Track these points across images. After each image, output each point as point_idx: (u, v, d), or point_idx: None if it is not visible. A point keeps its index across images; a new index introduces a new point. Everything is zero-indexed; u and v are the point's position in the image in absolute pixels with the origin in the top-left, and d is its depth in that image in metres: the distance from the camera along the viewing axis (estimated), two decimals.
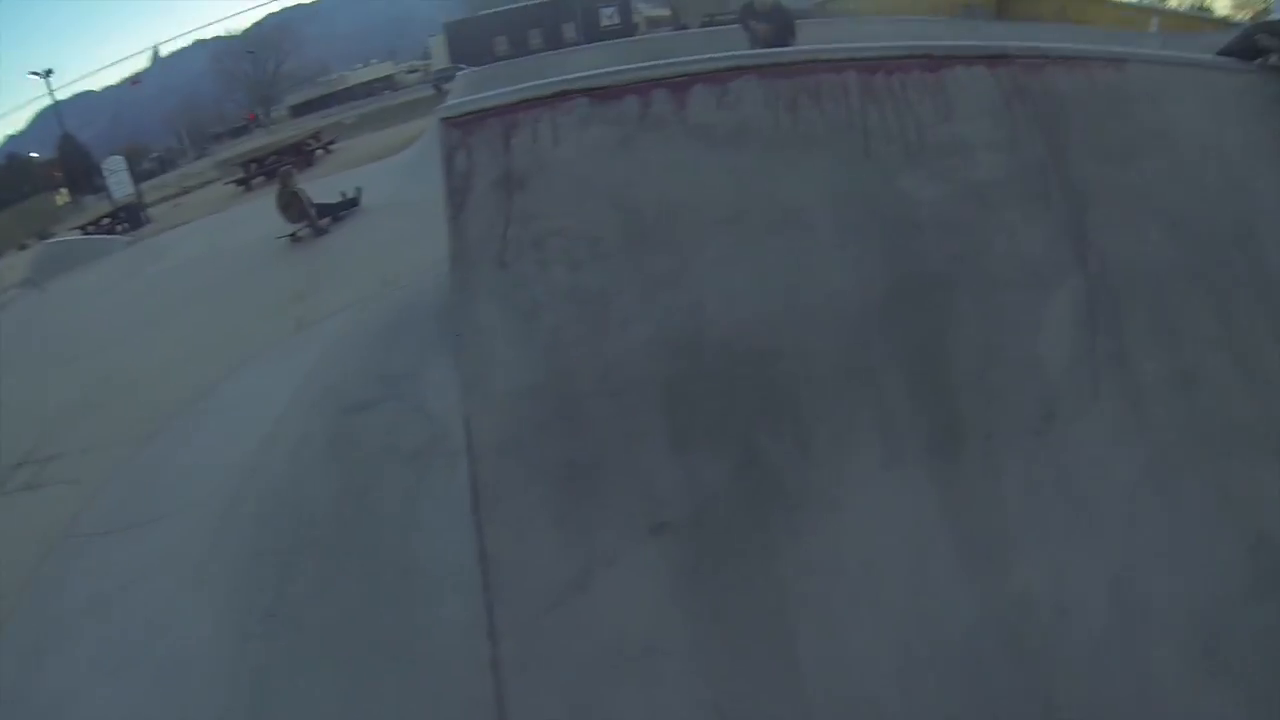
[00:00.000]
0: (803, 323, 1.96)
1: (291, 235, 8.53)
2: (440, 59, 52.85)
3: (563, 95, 2.08)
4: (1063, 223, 2.49)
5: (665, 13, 56.02)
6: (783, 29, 4.56)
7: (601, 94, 2.14)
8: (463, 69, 19.04)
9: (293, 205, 8.64)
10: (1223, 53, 4.62)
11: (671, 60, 2.18)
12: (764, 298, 1.96)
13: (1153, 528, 2.42)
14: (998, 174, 2.36)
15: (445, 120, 2.07)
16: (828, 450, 1.93)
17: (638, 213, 2.02)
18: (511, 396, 1.95)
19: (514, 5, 56.37)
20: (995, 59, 2.48)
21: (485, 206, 2.14)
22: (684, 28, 45.14)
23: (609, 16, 52.51)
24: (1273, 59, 4.58)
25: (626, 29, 51.46)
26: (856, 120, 2.14)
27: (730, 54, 2.17)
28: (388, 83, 61.55)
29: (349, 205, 9.21)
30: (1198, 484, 2.57)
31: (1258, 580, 2.44)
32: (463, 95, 9.28)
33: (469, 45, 48.48)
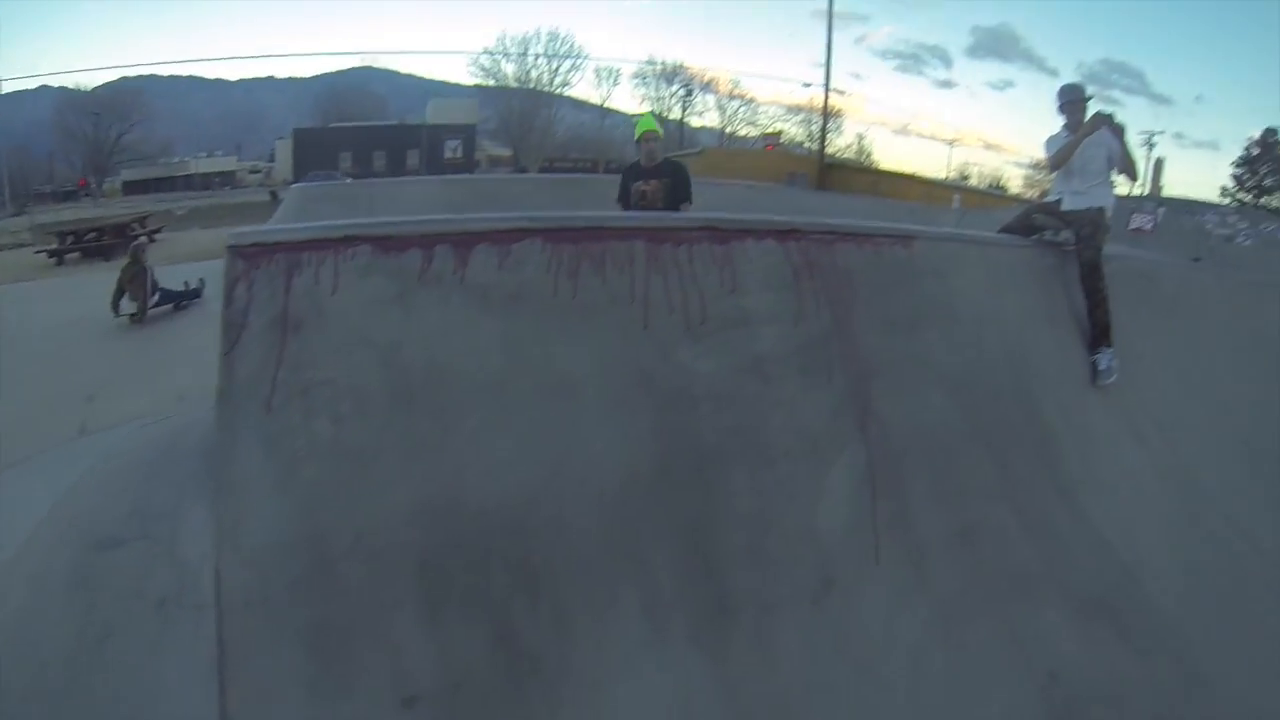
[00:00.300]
0: (565, 496, 2.08)
1: (131, 315, 8.30)
2: (284, 163, 55.67)
3: (349, 240, 2.16)
4: (845, 393, 2.74)
5: (507, 152, 62.18)
6: (677, 184, 5.58)
7: (386, 243, 2.23)
8: (319, 175, 19.68)
9: (137, 282, 8.38)
10: (1004, 230, 5.29)
11: (459, 216, 2.29)
12: (526, 468, 2.07)
13: (941, 681, 2.60)
14: (781, 347, 2.62)
15: (231, 249, 2.09)
16: (588, 627, 2.03)
17: (406, 371, 2.10)
18: (265, 550, 1.97)
19: (363, 124, 61.03)
20: (786, 233, 2.74)
21: (258, 345, 2.16)
22: (523, 169, 51.94)
23: (452, 149, 57.47)
24: (1048, 234, 5.25)
25: (469, 163, 57.30)
26: (639, 290, 2.29)
27: (518, 214, 2.28)
28: (229, 178, 63.38)
29: (192, 295, 9.04)
30: (984, 632, 2.83)
31: (1053, 712, 2.74)
32: (290, 211, 9.27)
33: (315, 155, 51.16)
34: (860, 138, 70.88)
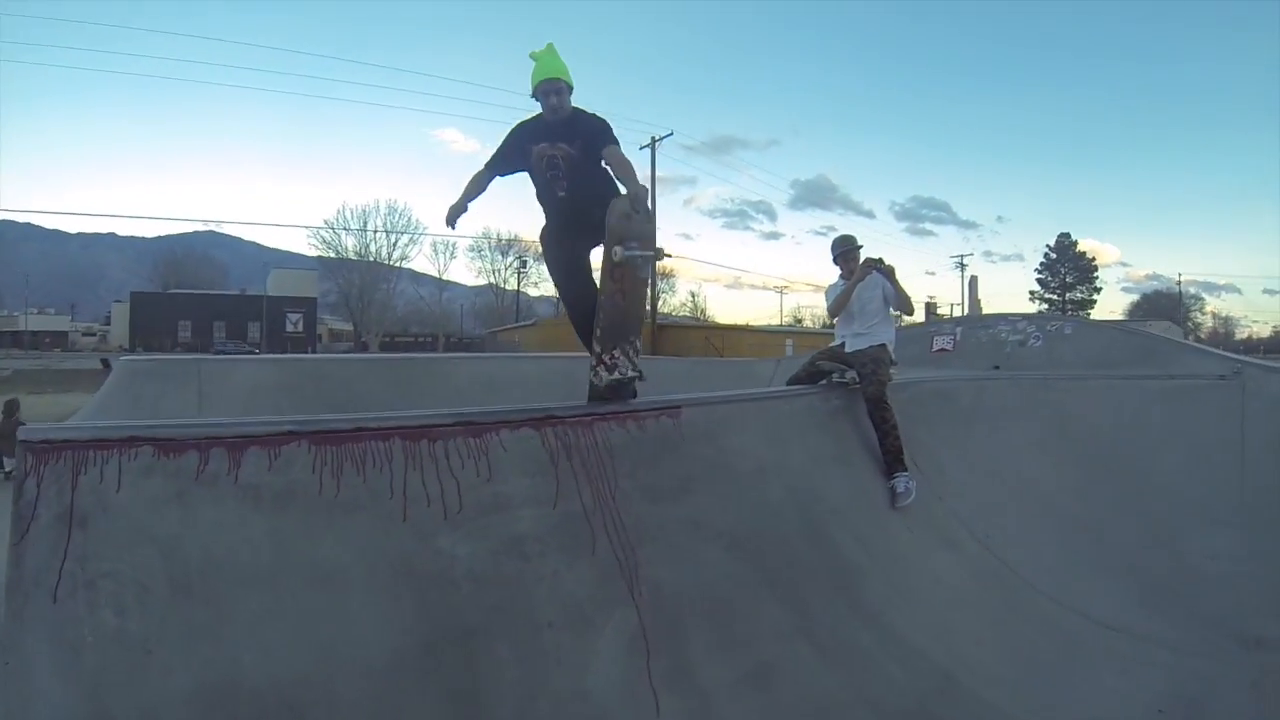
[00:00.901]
0: (335, 675, 2.76)
1: (8, 474, 8.62)
2: (120, 328, 59.24)
3: (132, 440, 2.78)
4: (610, 563, 3.38)
5: (348, 327, 68.66)
6: (592, 140, 5.51)
7: (166, 445, 2.86)
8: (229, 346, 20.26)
9: (12, 438, 8.71)
10: (792, 380, 6.35)
11: (233, 420, 2.91)
12: (298, 651, 2.74)
13: None
14: (540, 527, 3.37)
15: (23, 443, 2.65)
16: None
17: (185, 564, 2.77)
18: None
19: (203, 292, 65.80)
20: (542, 420, 3.42)
21: (46, 538, 2.78)
22: (364, 345, 59.31)
23: (294, 323, 62.56)
24: (834, 377, 6.29)
25: (309, 337, 63.37)
26: (397, 484, 2.95)
27: (286, 419, 2.93)
28: (60, 339, 67.52)
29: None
30: None
31: None
32: (116, 386, 9.67)
33: (152, 321, 55.00)
34: (694, 295, 76.96)
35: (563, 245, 5.73)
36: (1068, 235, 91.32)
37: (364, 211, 72.18)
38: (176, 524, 2.91)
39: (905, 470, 6.24)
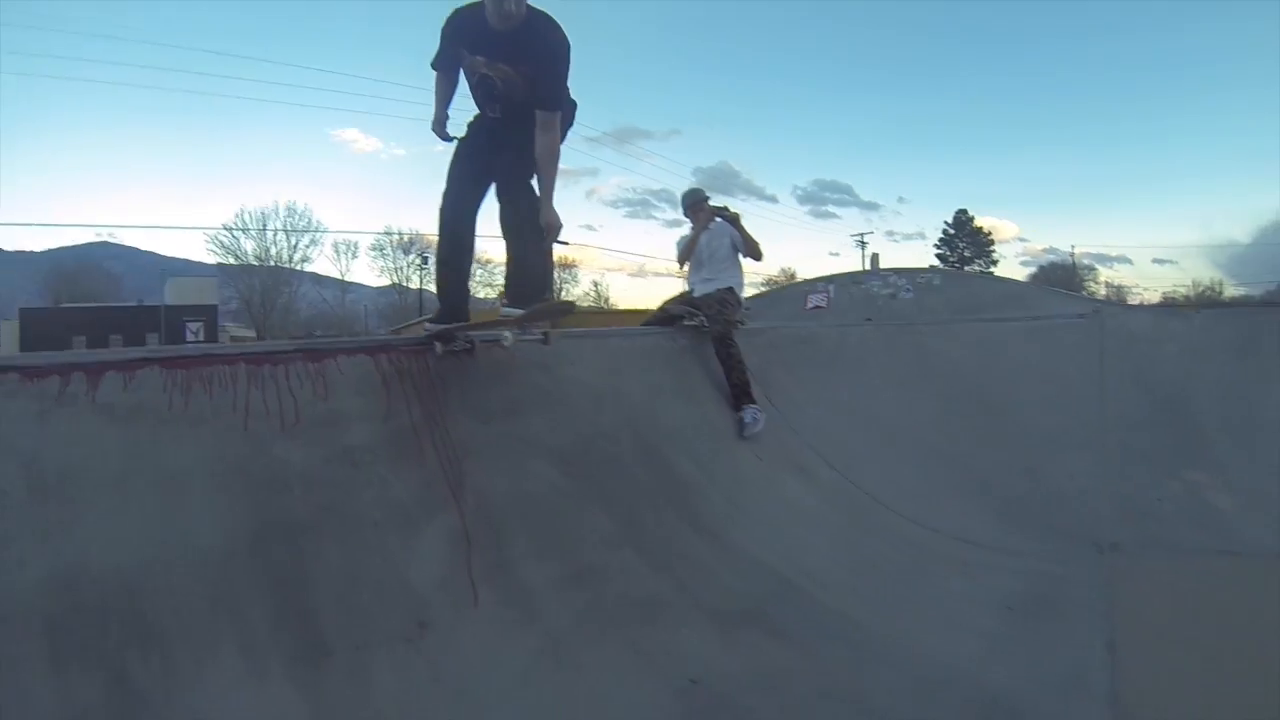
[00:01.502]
0: (174, 565, 3.30)
1: None
2: (10, 346, 56.91)
3: (1, 370, 3.14)
4: (436, 472, 3.89)
5: (251, 333, 67.72)
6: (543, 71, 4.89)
7: (30, 371, 3.35)
8: None
9: None
10: (646, 323, 6.93)
11: (92, 350, 3.34)
12: (141, 544, 3.27)
13: (552, 698, 3.74)
14: (370, 439, 3.75)
15: None
16: (191, 669, 3.13)
17: (42, 473, 3.22)
18: None
19: (97, 305, 63.96)
20: (377, 348, 3.89)
21: None
22: None
23: (194, 332, 61.05)
24: (685, 321, 6.89)
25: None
26: (240, 401, 3.43)
27: (142, 348, 3.36)
28: None
29: None
30: (604, 654, 4.04)
31: (691, 710, 3.82)
32: None
33: (44, 337, 52.37)
34: (596, 285, 78.62)
35: (474, 160, 5.11)
36: (965, 212, 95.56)
37: (263, 214, 71.43)
38: (36, 439, 3.32)
39: (754, 403, 6.85)
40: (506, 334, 4.68)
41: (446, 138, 5.25)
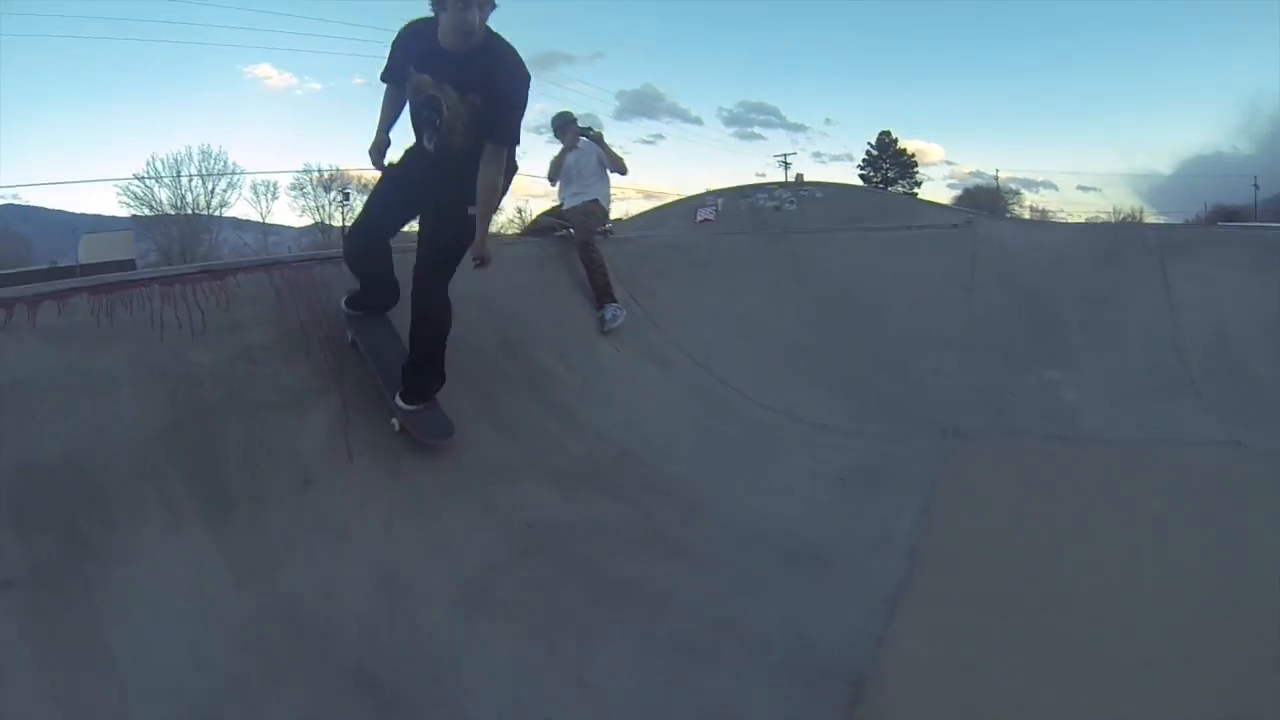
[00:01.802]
0: (110, 447, 4.31)
1: None
2: None
3: None
4: (322, 365, 4.99)
5: None
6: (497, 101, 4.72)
7: None
8: None
9: None
10: (522, 234, 7.97)
11: (29, 286, 4.29)
12: (82, 435, 4.26)
13: (414, 537, 4.87)
14: (265, 340, 4.83)
15: None
16: (126, 523, 4.22)
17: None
18: None
19: (6, 271, 64.35)
20: (271, 265, 4.86)
21: None
22: None
23: None
24: (556, 232, 7.89)
25: None
26: (155, 317, 4.43)
27: (73, 280, 4.31)
28: None
29: None
30: (456, 505, 5.19)
31: (526, 548, 4.96)
32: None
33: None
34: (520, 211, 77.42)
35: (400, 189, 5.19)
36: (888, 133, 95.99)
37: (176, 160, 68.76)
38: None
39: (615, 302, 7.76)
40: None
41: (382, 166, 5.22)
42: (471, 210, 4.91)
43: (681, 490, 5.81)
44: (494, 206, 5.00)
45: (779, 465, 6.88)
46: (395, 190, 5.18)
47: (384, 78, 4.98)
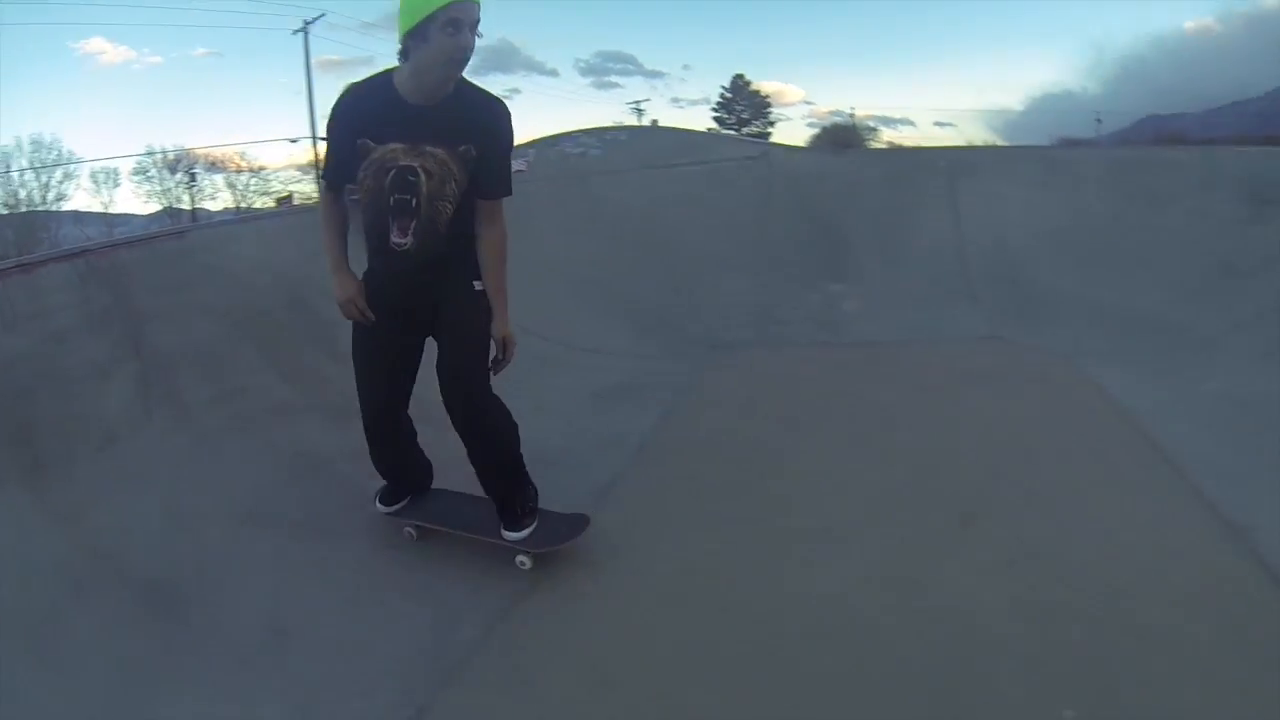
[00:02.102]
0: None
1: None
2: None
3: None
4: (124, 337, 5.89)
5: None
6: (488, 154, 4.10)
7: None
8: None
9: None
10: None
11: None
12: None
13: (203, 475, 5.80)
14: (74, 321, 5.80)
15: None
16: None
17: None
18: None
19: None
20: (76, 254, 5.81)
21: None
22: None
23: None
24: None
25: None
26: None
27: None
28: None
29: None
30: (241, 444, 6.18)
31: (299, 473, 5.72)
32: None
33: None
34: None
35: (380, 324, 4.43)
36: (742, 76, 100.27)
37: (4, 154, 63.25)
38: None
39: None
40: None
41: (345, 297, 4.42)
42: (478, 285, 4.24)
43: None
44: (503, 274, 4.25)
45: (542, 387, 7.70)
46: (381, 345, 4.52)
47: (329, 177, 4.09)
